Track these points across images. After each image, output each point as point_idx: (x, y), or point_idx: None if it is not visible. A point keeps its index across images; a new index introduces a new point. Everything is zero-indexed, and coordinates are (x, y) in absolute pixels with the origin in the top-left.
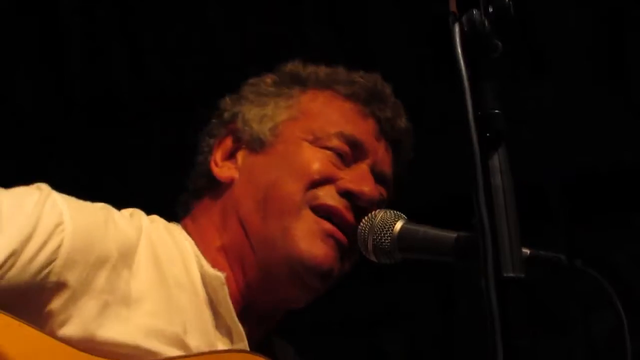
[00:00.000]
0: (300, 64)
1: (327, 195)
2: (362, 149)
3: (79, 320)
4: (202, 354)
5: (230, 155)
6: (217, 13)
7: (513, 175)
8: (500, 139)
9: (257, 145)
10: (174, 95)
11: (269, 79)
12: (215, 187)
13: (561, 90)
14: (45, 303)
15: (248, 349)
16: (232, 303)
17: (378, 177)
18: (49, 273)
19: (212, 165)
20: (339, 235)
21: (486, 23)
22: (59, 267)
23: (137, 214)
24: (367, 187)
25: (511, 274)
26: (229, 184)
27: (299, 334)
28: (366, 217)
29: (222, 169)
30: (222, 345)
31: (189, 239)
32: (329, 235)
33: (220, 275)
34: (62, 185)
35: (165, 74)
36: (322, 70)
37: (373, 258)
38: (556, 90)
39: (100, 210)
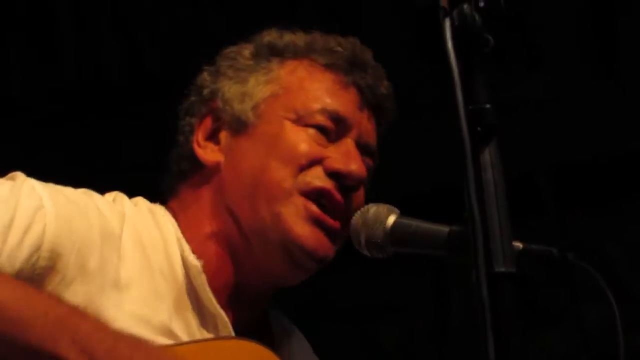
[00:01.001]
0: (276, 32)
1: (316, 178)
2: (346, 122)
3: (78, 300)
4: (192, 342)
5: (212, 135)
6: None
7: (504, 165)
8: (491, 133)
9: (239, 126)
10: (167, 80)
11: (246, 50)
12: (200, 170)
13: (552, 80)
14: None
15: (233, 334)
16: (220, 288)
17: (363, 148)
18: (37, 259)
19: (195, 146)
20: (329, 221)
21: (477, 17)
22: (46, 251)
23: (119, 198)
24: (354, 164)
25: (502, 269)
26: (214, 167)
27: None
28: (359, 212)
29: (206, 151)
30: (206, 333)
31: (173, 221)
32: (319, 222)
33: (197, 264)
34: (53, 173)
35: (157, 58)
36: (300, 39)
37: (366, 252)
38: (547, 80)
39: (81, 195)
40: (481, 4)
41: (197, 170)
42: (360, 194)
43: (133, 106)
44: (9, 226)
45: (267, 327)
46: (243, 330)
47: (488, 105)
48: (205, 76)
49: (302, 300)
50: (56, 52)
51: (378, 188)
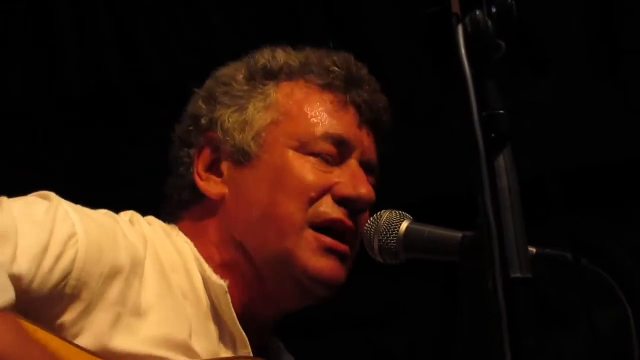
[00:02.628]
0: (269, 52)
1: (327, 209)
2: (349, 144)
3: (91, 332)
4: None
5: (212, 166)
6: (210, 3)
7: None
8: (505, 139)
9: (242, 157)
10: (168, 87)
11: (240, 75)
12: (203, 201)
13: (559, 84)
14: (58, 315)
15: (251, 355)
16: (238, 311)
17: (366, 166)
18: (65, 285)
19: (197, 179)
20: (341, 247)
21: (489, 23)
22: (74, 279)
23: (135, 219)
24: (363, 188)
25: (518, 274)
26: (218, 199)
27: (299, 332)
28: (372, 218)
29: (209, 184)
30: (225, 352)
31: (188, 241)
32: (332, 250)
33: (223, 283)
34: (56, 180)
35: (159, 65)
36: (293, 58)
37: (379, 258)
38: (554, 84)
39: (107, 219)
40: (493, 10)
41: (199, 201)
42: (367, 212)
43: (136, 113)
44: (44, 251)
45: (268, 349)
46: (255, 353)
47: (502, 111)
48: (200, 104)
49: (310, 307)
50: (58, 59)
51: (383, 195)
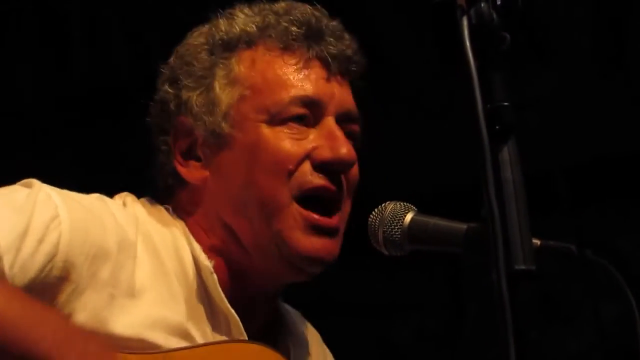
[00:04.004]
0: (227, 20)
1: (307, 177)
2: (320, 103)
3: (85, 314)
4: (204, 344)
5: (190, 151)
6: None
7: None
8: (509, 131)
9: (216, 139)
10: None
11: (200, 51)
12: (188, 186)
13: (565, 77)
14: (49, 299)
15: (245, 336)
16: (230, 291)
17: (344, 117)
18: (52, 268)
19: (178, 166)
20: (329, 222)
21: (494, 15)
22: (60, 261)
23: (129, 200)
24: (342, 147)
25: (522, 267)
26: (201, 184)
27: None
28: (376, 210)
29: (190, 170)
30: (219, 334)
31: (180, 222)
32: (321, 228)
33: (209, 264)
34: (62, 178)
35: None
36: (250, 23)
37: (384, 250)
38: (560, 77)
39: (96, 201)
40: (498, 2)
41: (183, 186)
42: (354, 169)
43: (143, 111)
44: (23, 235)
45: (279, 322)
46: (256, 330)
47: (506, 104)
48: (166, 88)
49: (315, 298)
50: (66, 58)
51: (387, 186)
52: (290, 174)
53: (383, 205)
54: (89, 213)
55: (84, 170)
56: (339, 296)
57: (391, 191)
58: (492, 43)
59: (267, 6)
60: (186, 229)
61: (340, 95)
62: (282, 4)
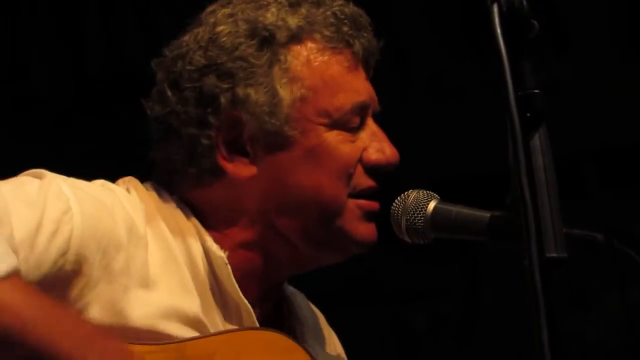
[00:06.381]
0: (268, 12)
1: (361, 180)
2: (367, 106)
3: (99, 306)
4: (219, 333)
5: (235, 145)
6: None
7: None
8: (540, 119)
9: (274, 140)
10: None
11: (249, 46)
12: (224, 181)
13: (587, 62)
14: (61, 293)
15: (257, 325)
16: (242, 280)
17: (373, 115)
18: (64, 263)
19: (222, 161)
20: (376, 206)
21: (524, 2)
22: (72, 254)
23: (132, 186)
24: (388, 149)
25: (554, 254)
26: (247, 181)
27: (322, 307)
28: (399, 198)
29: (237, 166)
30: (228, 324)
31: (188, 211)
32: (371, 213)
33: (222, 255)
34: (78, 164)
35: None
36: (295, 18)
37: (406, 238)
38: (583, 62)
39: (104, 191)
40: None
41: (219, 180)
42: None
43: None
44: (36, 230)
45: (284, 303)
46: (265, 317)
47: (537, 91)
48: (214, 81)
49: (334, 285)
50: (81, 43)
51: (405, 173)
52: (350, 177)
53: (406, 193)
54: (99, 204)
55: (99, 158)
56: (357, 283)
57: (413, 178)
58: (521, 30)
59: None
60: (195, 220)
61: (374, 94)
62: None
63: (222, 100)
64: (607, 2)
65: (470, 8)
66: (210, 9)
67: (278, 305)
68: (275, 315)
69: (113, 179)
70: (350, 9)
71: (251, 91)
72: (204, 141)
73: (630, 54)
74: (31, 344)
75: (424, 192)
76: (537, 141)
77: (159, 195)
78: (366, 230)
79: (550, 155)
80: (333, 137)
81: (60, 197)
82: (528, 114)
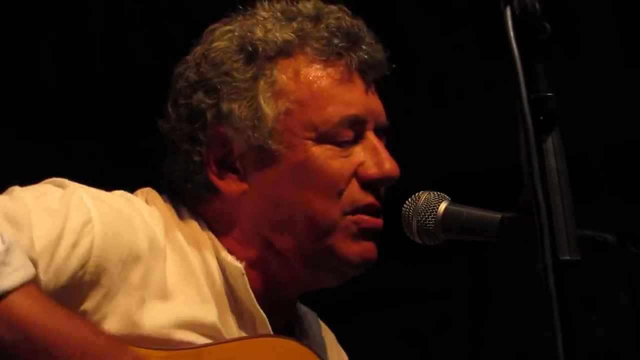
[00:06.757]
0: (259, 27)
1: (357, 197)
2: (364, 120)
3: (117, 318)
4: (236, 339)
5: (224, 162)
6: None
7: None
8: (553, 121)
9: (260, 155)
10: None
11: (238, 60)
12: (220, 197)
13: (598, 62)
14: (79, 303)
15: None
16: (258, 291)
17: (380, 131)
18: (84, 273)
19: (213, 177)
20: (378, 222)
21: (537, 5)
22: (92, 266)
23: (151, 197)
24: (387, 163)
25: (567, 257)
26: (239, 198)
27: (328, 310)
28: (409, 199)
29: (228, 183)
30: (243, 332)
31: (202, 222)
32: (371, 231)
33: (240, 265)
34: (84, 161)
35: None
36: (288, 32)
37: (417, 239)
38: (593, 63)
39: (123, 202)
40: None
41: (216, 197)
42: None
43: (164, 96)
44: (57, 240)
45: (297, 322)
46: (278, 331)
47: (550, 94)
48: (201, 97)
49: (339, 286)
50: (86, 41)
51: (411, 173)
52: (341, 193)
53: (416, 194)
54: (119, 215)
55: (105, 155)
56: (363, 284)
57: (422, 178)
58: (534, 33)
59: (294, 8)
60: (208, 231)
61: (377, 107)
62: (309, 5)
63: (208, 115)
64: (615, 3)
65: (482, 9)
66: (212, 26)
67: (291, 324)
68: (289, 333)
69: (116, 178)
70: (348, 22)
71: (235, 106)
72: (196, 158)
73: (638, 55)
74: (49, 358)
75: (435, 193)
76: (550, 144)
77: (175, 207)
78: (359, 250)
79: (564, 157)
80: (322, 152)
81: (82, 208)
82: (541, 117)
